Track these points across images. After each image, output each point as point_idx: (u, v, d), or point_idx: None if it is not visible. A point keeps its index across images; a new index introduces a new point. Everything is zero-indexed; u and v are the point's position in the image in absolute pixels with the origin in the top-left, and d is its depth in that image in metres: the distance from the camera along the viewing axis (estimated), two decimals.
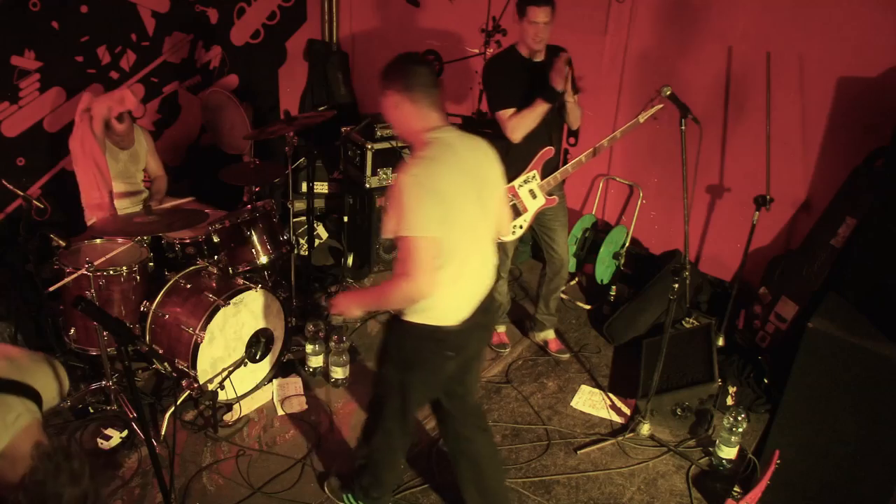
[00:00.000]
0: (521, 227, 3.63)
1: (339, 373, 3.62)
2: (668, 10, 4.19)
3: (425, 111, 2.29)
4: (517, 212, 3.59)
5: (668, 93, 3.12)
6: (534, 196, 3.59)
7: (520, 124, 3.35)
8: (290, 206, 4.08)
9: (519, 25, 3.38)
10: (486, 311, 2.44)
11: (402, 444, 2.69)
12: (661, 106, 3.35)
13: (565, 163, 3.64)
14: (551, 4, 3.30)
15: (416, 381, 2.43)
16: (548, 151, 3.51)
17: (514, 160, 3.50)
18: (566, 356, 4.02)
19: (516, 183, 3.55)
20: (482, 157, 2.39)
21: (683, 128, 3.18)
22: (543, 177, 3.54)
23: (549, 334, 4.07)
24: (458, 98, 5.32)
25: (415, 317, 2.28)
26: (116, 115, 3.64)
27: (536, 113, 3.32)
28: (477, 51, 4.88)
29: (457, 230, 2.20)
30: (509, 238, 3.64)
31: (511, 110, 3.37)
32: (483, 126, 4.68)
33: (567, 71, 3.27)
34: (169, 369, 3.28)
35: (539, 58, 3.43)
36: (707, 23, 4.05)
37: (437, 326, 2.28)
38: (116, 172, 3.82)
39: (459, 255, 2.23)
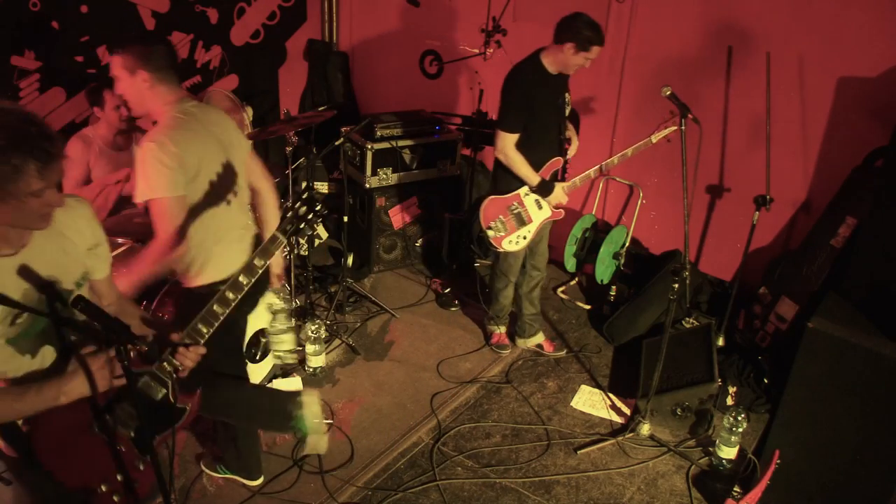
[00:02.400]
0: (524, 237, 3.58)
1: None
2: (668, 11, 4.19)
3: (168, 86, 2.37)
4: (521, 221, 3.55)
5: (668, 93, 3.12)
6: (539, 207, 3.56)
7: (510, 161, 3.38)
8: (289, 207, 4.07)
9: (563, 50, 3.25)
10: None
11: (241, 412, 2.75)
12: (675, 128, 3.38)
13: (566, 170, 3.65)
14: None
15: (222, 343, 2.43)
16: (556, 162, 3.50)
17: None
18: (563, 352, 4.01)
19: (522, 191, 3.50)
20: (225, 125, 2.53)
21: (683, 128, 3.18)
22: None
23: (540, 337, 4.03)
24: (458, 98, 5.32)
25: (195, 281, 2.47)
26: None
27: (527, 177, 3.42)
28: (477, 51, 4.87)
29: (207, 191, 2.37)
30: (512, 249, 3.58)
31: (515, 136, 3.33)
32: (483, 126, 4.69)
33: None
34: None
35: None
36: (707, 23, 4.05)
37: (218, 282, 2.41)
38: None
39: (215, 214, 2.42)
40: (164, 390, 1.86)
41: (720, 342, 3.91)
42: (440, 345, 4.08)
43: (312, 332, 3.66)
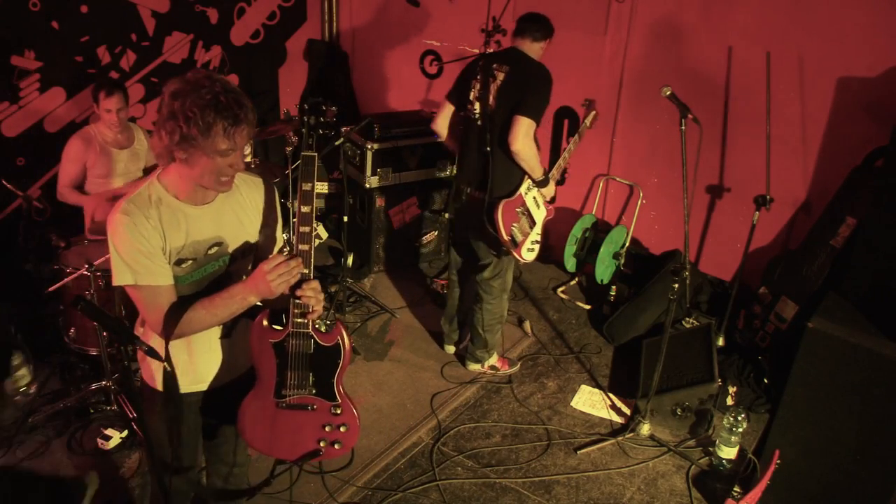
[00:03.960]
0: (537, 241, 3.44)
1: None
2: (668, 11, 4.19)
3: None
4: (532, 223, 3.41)
5: (668, 93, 3.12)
6: (538, 205, 3.46)
7: (529, 150, 3.20)
8: (289, 207, 4.08)
9: (544, 46, 3.38)
10: None
11: None
12: (594, 112, 3.73)
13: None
14: None
15: None
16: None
17: (516, 163, 3.31)
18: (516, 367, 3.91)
19: (523, 189, 3.37)
20: None
21: (683, 128, 3.18)
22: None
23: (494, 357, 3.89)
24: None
25: None
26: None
27: (535, 169, 3.30)
28: (477, 51, 4.87)
29: None
30: (531, 258, 3.43)
31: (535, 127, 3.23)
32: None
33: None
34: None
35: None
36: (707, 23, 4.05)
37: None
38: (117, 172, 3.82)
39: None
40: (311, 339, 1.98)
41: (720, 342, 3.91)
42: (440, 345, 4.07)
43: None
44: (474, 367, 3.83)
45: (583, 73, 4.58)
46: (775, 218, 4.00)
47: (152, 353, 1.85)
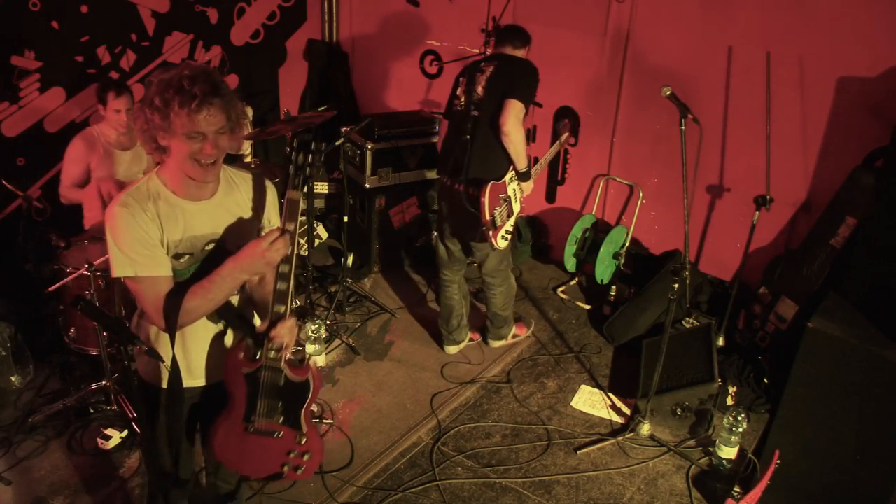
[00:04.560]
0: (510, 231, 3.48)
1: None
2: (667, 11, 4.19)
3: None
4: (510, 213, 3.45)
5: (668, 93, 3.12)
6: (516, 198, 3.49)
7: (516, 133, 3.27)
8: None
9: (524, 54, 3.48)
10: None
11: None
12: (567, 134, 3.90)
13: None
14: None
15: None
16: None
17: (505, 152, 3.36)
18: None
19: (507, 178, 3.42)
20: None
21: (683, 128, 3.18)
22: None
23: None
24: None
25: None
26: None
27: (521, 157, 3.38)
28: (477, 51, 4.87)
29: None
30: (503, 245, 3.47)
31: (524, 111, 3.31)
32: None
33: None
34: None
35: None
36: (707, 23, 4.05)
37: None
38: (119, 174, 3.81)
39: None
40: (283, 373, 2.01)
41: (720, 342, 3.91)
42: (440, 345, 4.07)
43: (312, 332, 3.66)
44: (499, 343, 4.02)
45: (583, 73, 4.59)
46: (775, 218, 4.00)
47: (153, 353, 1.85)
